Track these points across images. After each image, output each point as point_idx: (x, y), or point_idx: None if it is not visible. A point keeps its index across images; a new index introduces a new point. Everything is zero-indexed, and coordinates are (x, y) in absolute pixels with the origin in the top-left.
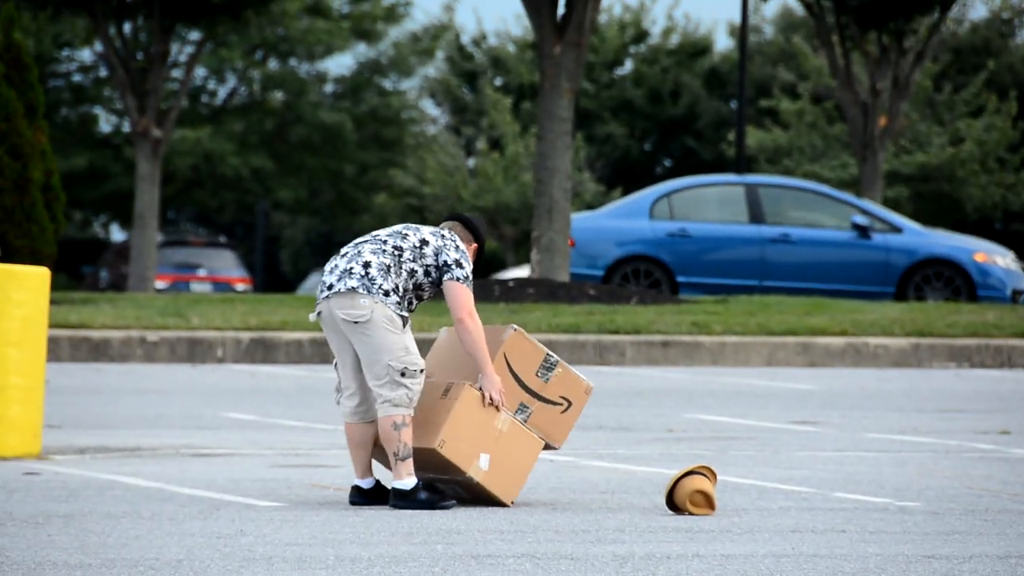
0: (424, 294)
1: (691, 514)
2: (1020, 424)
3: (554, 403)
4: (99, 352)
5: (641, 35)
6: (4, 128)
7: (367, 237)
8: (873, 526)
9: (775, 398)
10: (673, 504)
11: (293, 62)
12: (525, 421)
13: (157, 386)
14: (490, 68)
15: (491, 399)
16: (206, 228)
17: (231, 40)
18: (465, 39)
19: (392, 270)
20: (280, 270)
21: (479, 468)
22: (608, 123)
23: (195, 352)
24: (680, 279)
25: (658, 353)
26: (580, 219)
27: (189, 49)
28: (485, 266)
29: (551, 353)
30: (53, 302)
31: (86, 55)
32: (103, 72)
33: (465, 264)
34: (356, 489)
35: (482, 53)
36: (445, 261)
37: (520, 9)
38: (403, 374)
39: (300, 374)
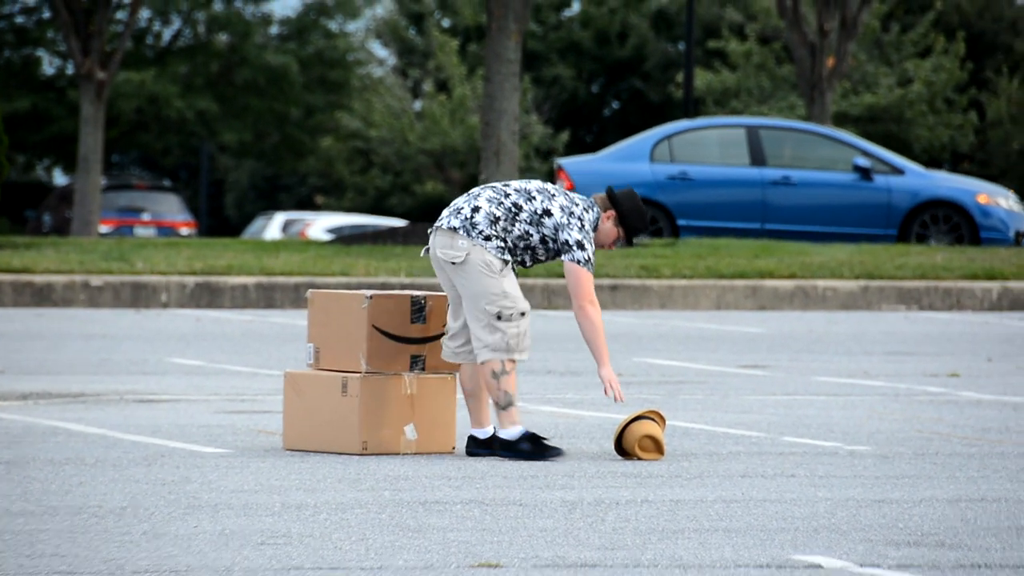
0: (540, 258)
1: (640, 459)
2: (969, 367)
3: (441, 335)
4: (42, 297)
5: None
6: None
7: (499, 184)
8: (823, 470)
9: (724, 342)
10: (622, 449)
11: (238, 3)
12: (424, 369)
13: (101, 331)
14: (437, 9)
15: (614, 394)
16: (150, 172)
17: None
18: None
19: (500, 223)
20: (225, 214)
21: (409, 441)
22: (555, 65)
23: (139, 297)
24: (681, 223)
25: (606, 297)
26: (578, 162)
27: None
28: (432, 209)
29: (414, 293)
30: None
31: None
32: (46, 14)
33: (587, 246)
34: (472, 439)
35: None
36: (565, 240)
37: None
38: (499, 317)
39: (246, 319)
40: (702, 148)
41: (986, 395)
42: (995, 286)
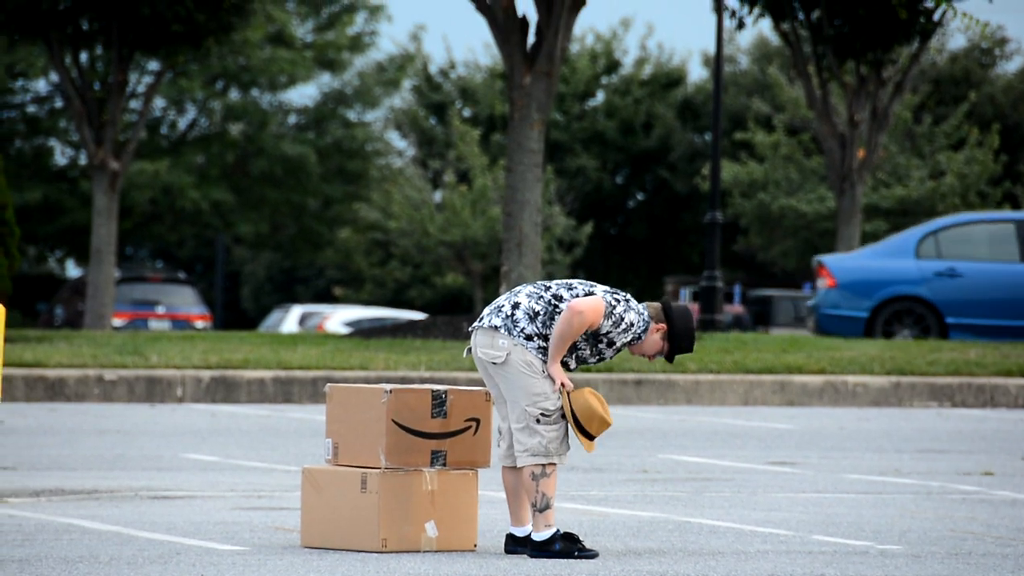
0: (584, 355)
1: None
2: (1003, 465)
3: (462, 431)
4: (55, 391)
5: (613, 65)
6: None
7: (541, 281)
8: (853, 570)
9: (752, 438)
10: (585, 431)
11: (255, 92)
12: (445, 465)
13: (115, 426)
14: (458, 99)
15: (561, 385)
16: (165, 263)
17: (191, 70)
18: (433, 69)
19: (540, 318)
20: (241, 306)
21: (430, 539)
22: (579, 155)
23: (154, 391)
24: (949, 320)
25: (631, 392)
26: (840, 259)
27: (148, 79)
28: (452, 302)
29: (435, 387)
30: (7, 340)
31: (41, 85)
32: (59, 103)
33: (616, 330)
34: (510, 537)
35: (450, 83)
36: (600, 332)
37: (489, 38)
38: (538, 421)
39: (262, 413)
40: (970, 243)
41: (1021, 494)
42: None
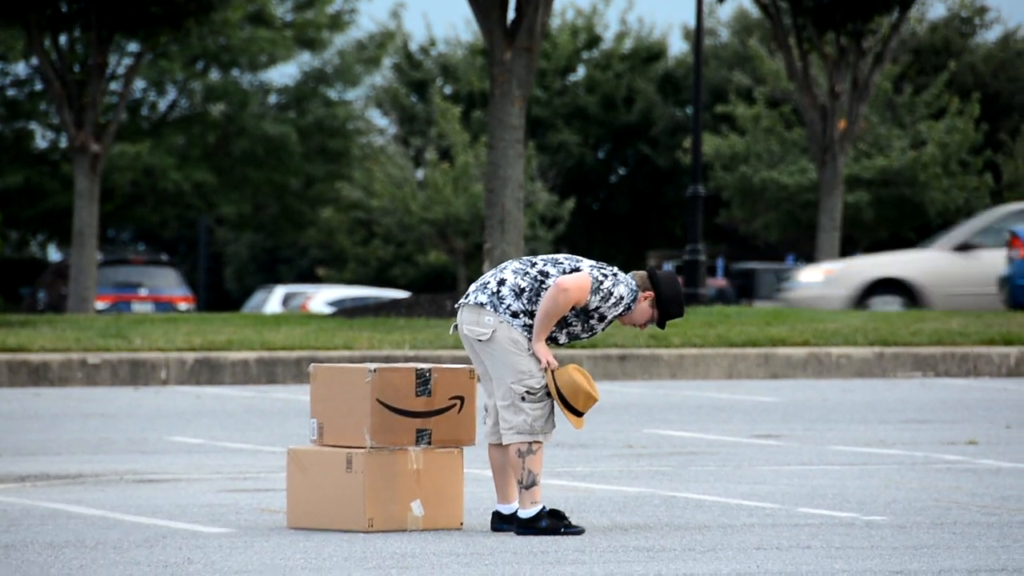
0: (575, 329)
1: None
2: (987, 434)
3: (447, 409)
4: (38, 376)
5: (594, 40)
6: None
7: (526, 257)
8: (839, 541)
9: (736, 411)
10: (576, 411)
11: (235, 72)
12: (431, 443)
13: (99, 410)
14: (439, 76)
15: (546, 364)
16: (147, 245)
17: (171, 51)
18: (413, 46)
19: (526, 294)
20: (224, 287)
21: (416, 518)
22: (561, 131)
23: (138, 374)
24: None
25: (615, 367)
26: None
27: (128, 61)
28: (435, 280)
29: (419, 366)
30: None
31: (20, 69)
32: (39, 86)
33: (605, 305)
34: (497, 514)
35: (431, 61)
36: (589, 308)
37: (470, 14)
38: (523, 398)
39: (247, 395)
40: None
41: (1005, 463)
42: (1013, 351)
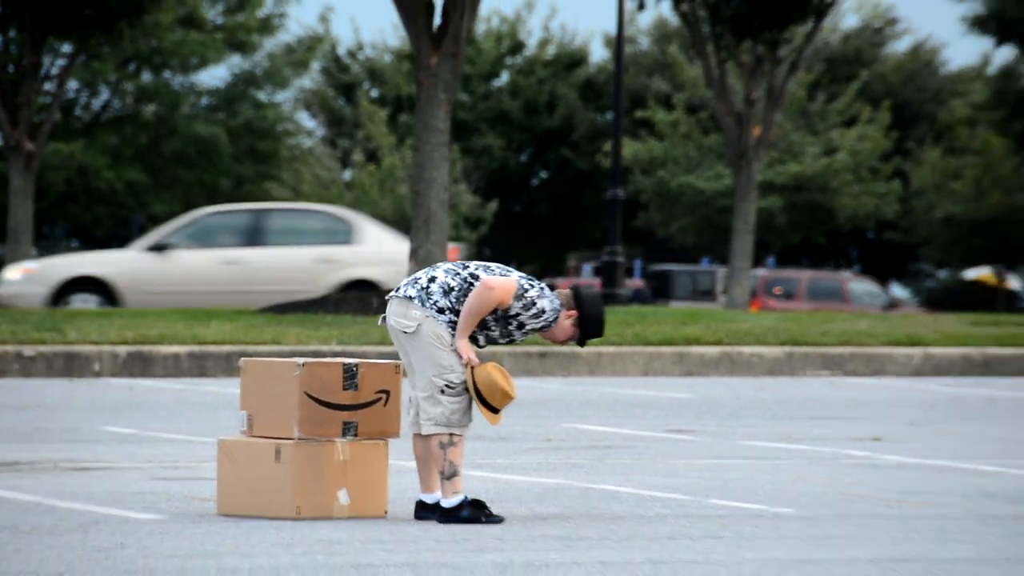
0: (492, 334)
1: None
2: (891, 431)
3: (373, 402)
4: None
5: (517, 46)
6: None
7: (461, 261)
8: (749, 532)
9: (652, 407)
10: (487, 403)
11: (167, 74)
12: (357, 435)
13: (34, 401)
14: (367, 80)
15: (468, 361)
16: (81, 243)
17: (104, 52)
18: (341, 50)
19: (454, 293)
20: None
21: (342, 506)
22: (485, 134)
23: (72, 366)
24: None
25: (535, 364)
26: None
27: (61, 61)
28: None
29: (346, 361)
30: None
31: None
32: None
33: (526, 314)
34: (420, 503)
35: (358, 64)
36: (510, 314)
37: (397, 20)
38: (443, 392)
39: (179, 387)
40: None
41: (908, 458)
42: (917, 352)
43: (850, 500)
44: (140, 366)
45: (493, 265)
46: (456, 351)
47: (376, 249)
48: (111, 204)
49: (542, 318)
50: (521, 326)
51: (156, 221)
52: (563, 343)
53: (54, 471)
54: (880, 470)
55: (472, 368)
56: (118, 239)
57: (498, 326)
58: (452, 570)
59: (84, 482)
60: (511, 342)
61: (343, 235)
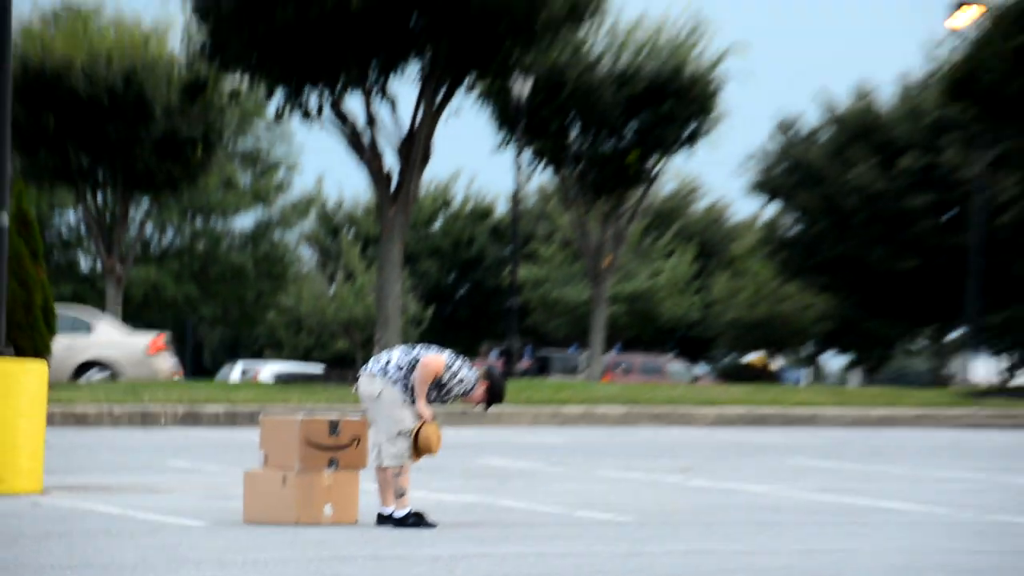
0: (431, 396)
1: (428, 452)
2: (698, 464)
3: (349, 445)
4: (81, 421)
5: (447, 202)
6: (15, 267)
7: (410, 344)
8: (605, 533)
9: (538, 449)
10: (418, 449)
11: (213, 220)
12: (338, 467)
13: (121, 444)
14: (347, 224)
15: (425, 417)
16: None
17: (171, 204)
18: (330, 204)
19: (404, 370)
20: (203, 364)
21: (327, 516)
22: (425, 261)
23: (146, 420)
24: None
25: (458, 419)
26: None
27: (144, 209)
28: (341, 360)
29: (331, 418)
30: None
31: (71, 216)
32: (83, 228)
33: (436, 363)
34: (379, 515)
35: (341, 214)
36: (442, 382)
37: (368, 184)
38: (398, 435)
39: (219, 435)
40: None
41: (708, 483)
42: (713, 410)
43: (670, 512)
44: (192, 420)
45: (433, 347)
46: (410, 408)
47: (107, 338)
48: (173, 308)
49: (462, 385)
50: (450, 391)
51: (203, 321)
52: (476, 404)
53: (133, 492)
54: (690, 490)
55: (423, 424)
56: (177, 332)
57: (435, 389)
58: (402, 560)
59: (154, 500)
60: (444, 402)
61: (84, 327)
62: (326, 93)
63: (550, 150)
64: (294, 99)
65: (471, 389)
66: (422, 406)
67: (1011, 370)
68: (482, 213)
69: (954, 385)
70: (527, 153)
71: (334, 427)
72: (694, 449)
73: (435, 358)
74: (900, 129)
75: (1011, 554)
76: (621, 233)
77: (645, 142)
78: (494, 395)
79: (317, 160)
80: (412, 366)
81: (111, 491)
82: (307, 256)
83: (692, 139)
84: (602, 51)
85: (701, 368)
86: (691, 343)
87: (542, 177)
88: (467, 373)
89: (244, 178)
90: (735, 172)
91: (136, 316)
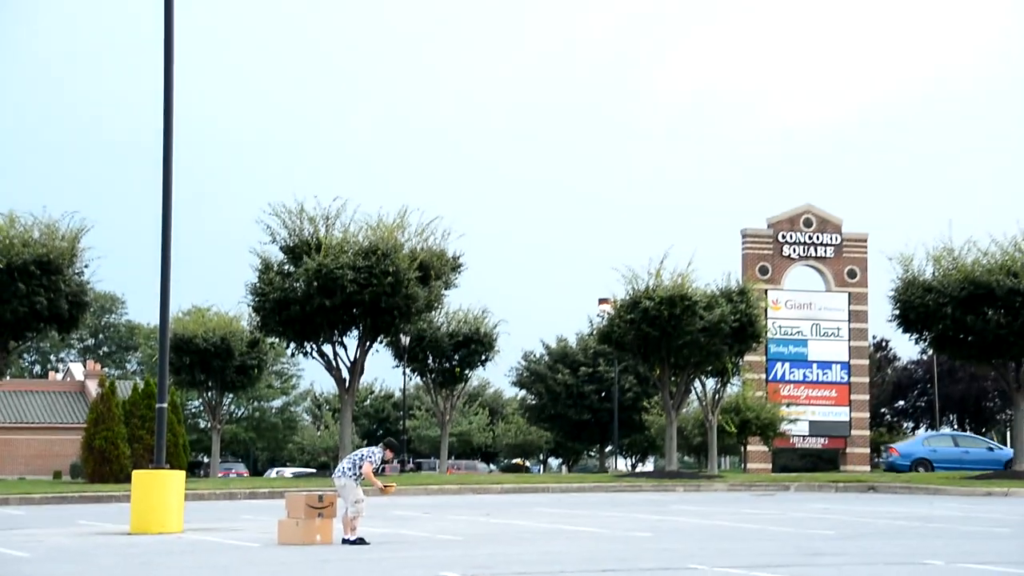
0: (376, 469)
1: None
2: (494, 511)
3: (327, 506)
4: (201, 497)
5: (372, 392)
6: (171, 427)
7: (358, 452)
8: (449, 543)
9: (417, 506)
10: None
11: (262, 402)
12: (323, 517)
13: (220, 508)
14: (325, 404)
15: (377, 484)
16: (231, 456)
17: (242, 395)
18: (318, 392)
19: (355, 468)
20: (258, 469)
21: (318, 540)
22: (362, 419)
23: (231, 495)
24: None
25: (389, 499)
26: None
27: (230, 398)
28: (323, 466)
29: (321, 492)
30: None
31: (196, 402)
32: (201, 406)
33: (369, 459)
34: (344, 539)
35: (322, 398)
36: (362, 456)
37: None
38: (356, 503)
39: (266, 503)
40: None
41: (501, 520)
42: (499, 486)
43: (483, 534)
44: (257, 495)
45: (367, 450)
46: (366, 485)
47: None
48: (243, 445)
49: (379, 456)
50: (379, 461)
51: (258, 450)
52: (390, 459)
53: (226, 531)
54: (491, 524)
55: (384, 487)
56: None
57: (375, 465)
58: (357, 562)
59: (235, 534)
60: (383, 471)
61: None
62: (314, 344)
63: (419, 367)
64: (299, 346)
65: (383, 454)
66: (374, 479)
67: (634, 465)
68: (388, 395)
69: (609, 471)
70: (407, 369)
71: (320, 498)
72: (493, 504)
73: (368, 464)
74: (585, 355)
75: None
76: (454, 405)
77: (462, 363)
78: (394, 449)
79: (310, 374)
80: (359, 466)
81: (215, 531)
82: (307, 418)
83: (484, 362)
84: (441, 323)
85: (493, 466)
86: (487, 454)
87: (415, 378)
88: (378, 451)
89: (276, 382)
90: (508, 375)
91: (226, 449)
